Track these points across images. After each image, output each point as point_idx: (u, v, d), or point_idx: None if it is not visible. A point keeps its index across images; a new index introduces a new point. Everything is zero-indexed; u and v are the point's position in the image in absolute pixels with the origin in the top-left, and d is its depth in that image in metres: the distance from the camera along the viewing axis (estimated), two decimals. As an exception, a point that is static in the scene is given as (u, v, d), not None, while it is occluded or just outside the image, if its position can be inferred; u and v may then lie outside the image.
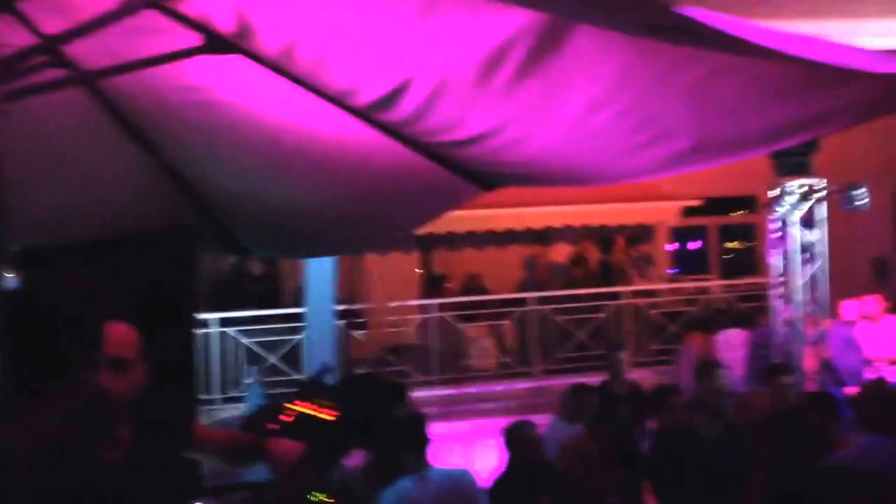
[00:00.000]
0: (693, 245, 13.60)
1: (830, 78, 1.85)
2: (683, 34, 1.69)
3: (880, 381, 5.20)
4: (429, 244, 11.81)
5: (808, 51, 1.77)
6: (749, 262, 12.67)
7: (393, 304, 10.54)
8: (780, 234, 7.49)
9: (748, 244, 13.19)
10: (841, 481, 3.22)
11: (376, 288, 11.08)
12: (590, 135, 2.37)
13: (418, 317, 10.25)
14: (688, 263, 13.29)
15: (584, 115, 2.25)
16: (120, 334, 2.17)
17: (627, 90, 2.10)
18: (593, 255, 11.35)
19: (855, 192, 7.28)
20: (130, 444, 2.18)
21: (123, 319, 2.21)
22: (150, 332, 2.26)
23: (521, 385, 9.57)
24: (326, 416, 2.67)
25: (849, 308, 7.58)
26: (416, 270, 11.92)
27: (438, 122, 2.53)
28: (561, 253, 11.82)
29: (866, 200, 7.30)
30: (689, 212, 11.62)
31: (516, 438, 4.65)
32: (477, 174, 3.03)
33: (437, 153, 2.87)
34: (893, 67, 1.81)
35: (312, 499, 2.53)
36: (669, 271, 12.62)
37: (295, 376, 8.60)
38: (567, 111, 2.26)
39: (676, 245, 13.09)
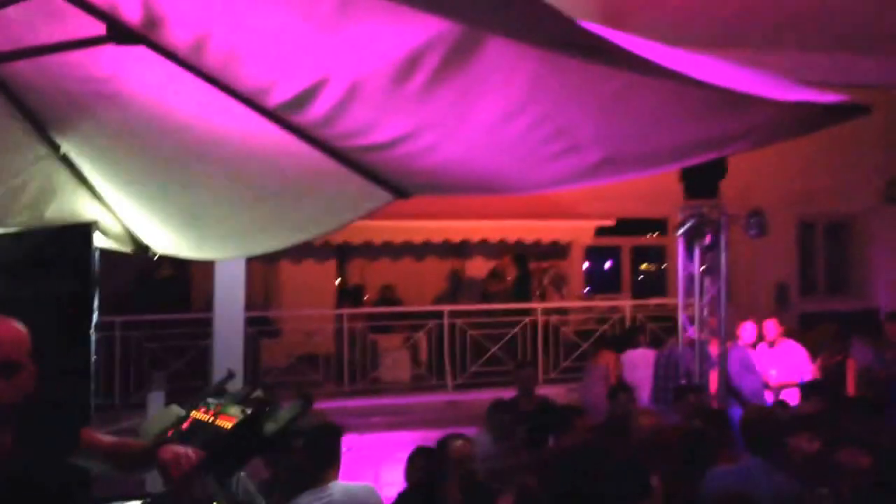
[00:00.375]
0: (606, 265, 13.88)
1: (734, 101, 1.91)
2: (592, 51, 1.71)
3: (765, 406, 5.38)
4: (345, 253, 11.70)
5: (711, 75, 1.82)
6: (660, 283, 13.02)
7: (306, 313, 10.40)
8: (685, 255, 7.68)
9: (660, 265, 13.54)
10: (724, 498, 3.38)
11: (290, 295, 10.93)
12: (502, 143, 2.38)
13: (332, 326, 10.12)
14: (601, 283, 13.54)
15: (496, 123, 2.26)
16: (9, 334, 2.05)
17: (539, 101, 2.12)
18: (512, 270, 11.45)
19: (755, 219, 7.51)
20: (11, 446, 2.07)
21: (13, 318, 2.10)
22: (42, 332, 2.15)
23: (434, 398, 9.54)
24: (225, 423, 2.59)
25: (747, 330, 7.82)
26: (335, 280, 11.79)
27: (351, 126, 2.50)
28: (477, 266, 11.88)
29: (766, 227, 7.55)
30: (604, 232, 11.85)
31: (447, 452, 4.41)
32: (390, 181, 3.01)
33: (349, 158, 2.83)
34: (791, 96, 1.88)
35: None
36: (583, 290, 12.83)
37: (199, 383, 8.35)
38: (479, 119, 2.26)
39: (590, 264, 13.33)
